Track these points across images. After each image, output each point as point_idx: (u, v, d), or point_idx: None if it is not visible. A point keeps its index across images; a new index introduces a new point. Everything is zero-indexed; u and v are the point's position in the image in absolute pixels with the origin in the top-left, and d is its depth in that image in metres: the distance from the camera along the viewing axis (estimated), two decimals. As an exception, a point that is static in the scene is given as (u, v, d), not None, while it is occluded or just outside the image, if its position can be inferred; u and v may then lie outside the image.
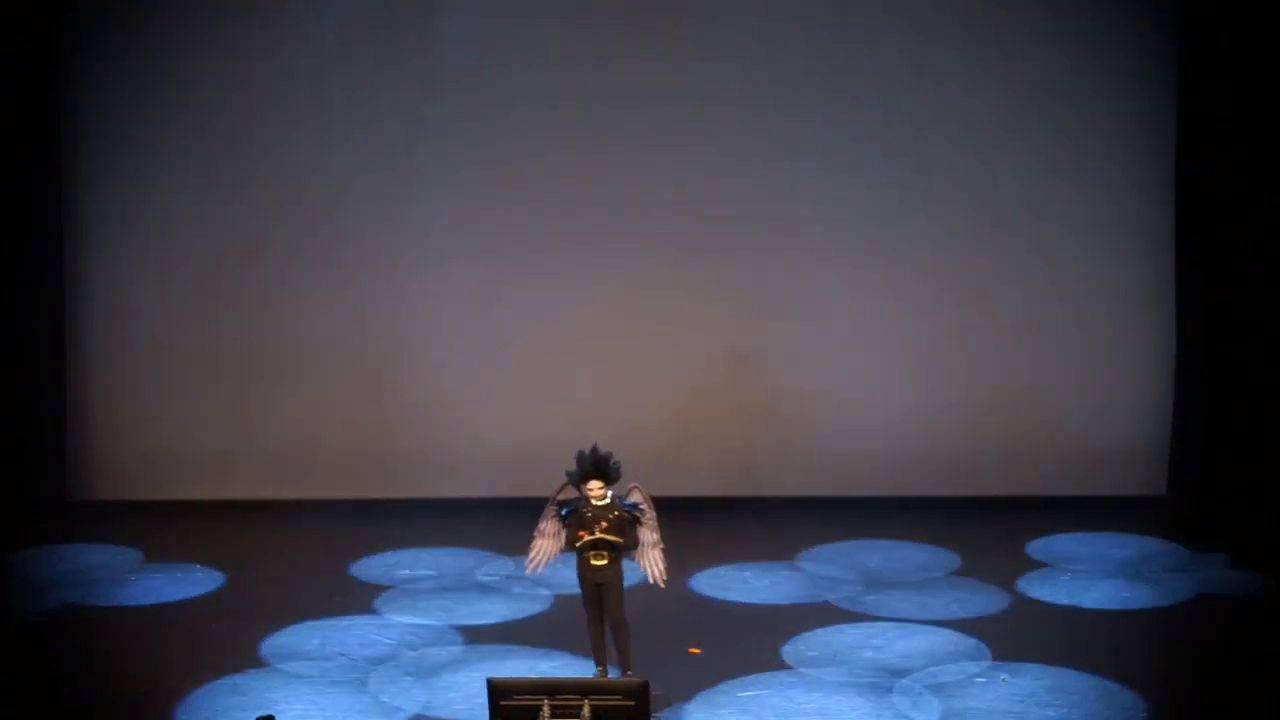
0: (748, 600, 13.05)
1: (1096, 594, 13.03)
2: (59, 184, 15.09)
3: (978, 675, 11.43)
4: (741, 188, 15.13)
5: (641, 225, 15.21)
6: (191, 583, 13.51)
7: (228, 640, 12.17)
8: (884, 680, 11.37)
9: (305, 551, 14.34)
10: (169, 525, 14.86)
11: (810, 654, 11.86)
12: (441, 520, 14.89)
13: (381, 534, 14.49)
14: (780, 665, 11.65)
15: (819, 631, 12.27)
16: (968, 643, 11.96)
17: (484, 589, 13.31)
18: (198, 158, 15.25)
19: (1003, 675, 11.47)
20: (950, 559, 13.86)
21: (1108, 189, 15.05)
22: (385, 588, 13.34)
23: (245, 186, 15.29)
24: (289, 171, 15.26)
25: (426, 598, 13.10)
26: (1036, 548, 14.07)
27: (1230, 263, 14.39)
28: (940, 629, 12.30)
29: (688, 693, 11.11)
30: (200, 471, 15.43)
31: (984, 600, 12.92)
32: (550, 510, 11.05)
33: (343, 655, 11.88)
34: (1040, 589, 13.16)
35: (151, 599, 13.20)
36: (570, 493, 10.94)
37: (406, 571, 13.68)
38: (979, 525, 14.73)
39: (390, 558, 14.01)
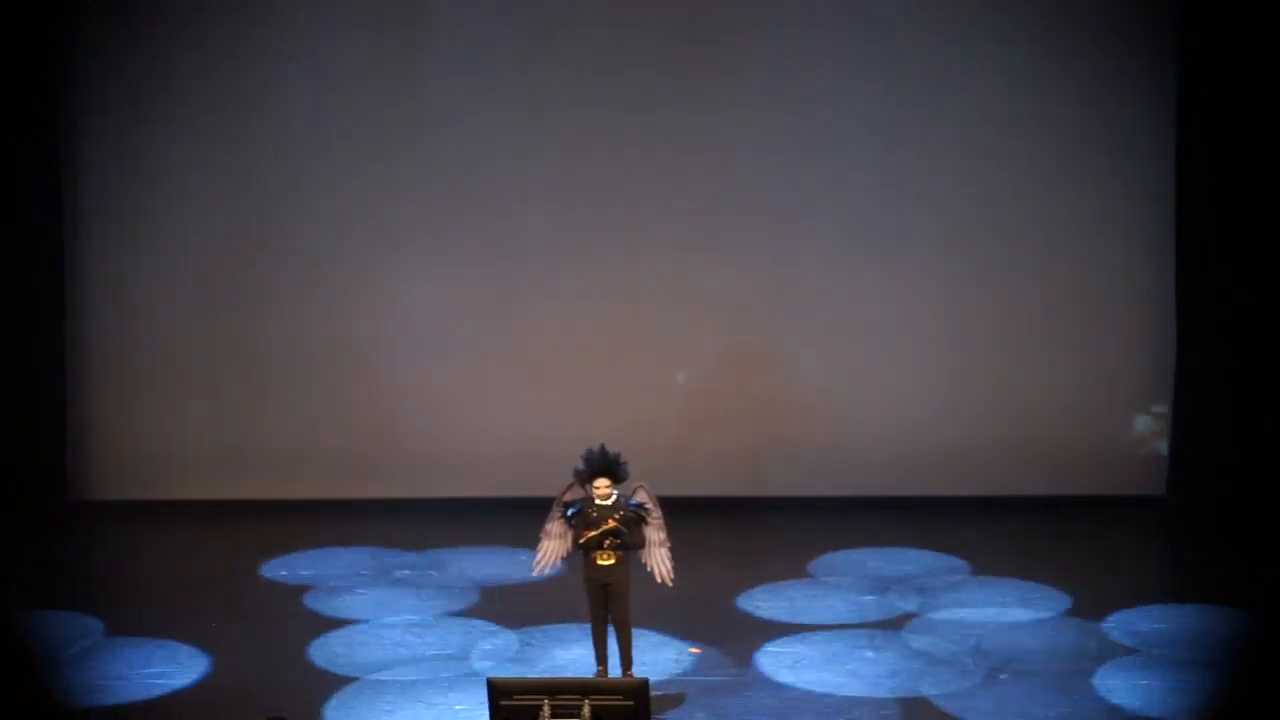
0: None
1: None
2: (59, 185, 15.07)
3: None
4: (747, 187, 15.12)
5: (646, 224, 15.19)
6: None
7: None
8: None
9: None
10: (167, 528, 14.85)
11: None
12: (443, 522, 14.83)
13: (384, 540, 14.41)
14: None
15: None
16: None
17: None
18: (198, 158, 15.23)
19: (1003, 675, 11.47)
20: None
21: (1108, 189, 15.04)
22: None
23: (245, 187, 15.27)
24: (290, 171, 15.24)
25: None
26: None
27: (1230, 263, 14.36)
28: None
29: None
30: (200, 471, 15.41)
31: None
32: (556, 511, 11.02)
33: None
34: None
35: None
36: (576, 492, 10.92)
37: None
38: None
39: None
